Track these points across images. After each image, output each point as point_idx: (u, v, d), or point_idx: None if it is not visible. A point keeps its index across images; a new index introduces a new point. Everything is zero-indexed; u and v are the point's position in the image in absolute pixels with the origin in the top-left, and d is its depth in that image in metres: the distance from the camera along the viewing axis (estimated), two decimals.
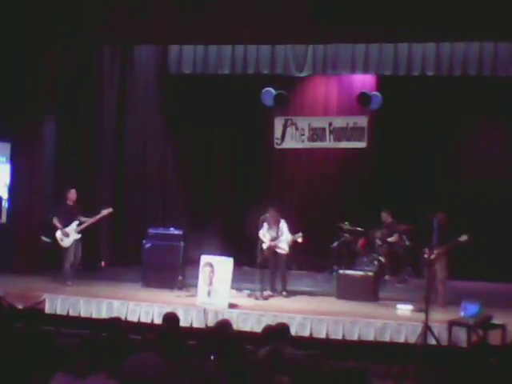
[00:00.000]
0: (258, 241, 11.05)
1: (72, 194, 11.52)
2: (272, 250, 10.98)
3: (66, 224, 11.37)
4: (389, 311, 9.94)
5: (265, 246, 10.97)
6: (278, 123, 14.48)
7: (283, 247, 11.01)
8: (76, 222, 11.37)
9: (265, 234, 11.01)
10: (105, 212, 11.54)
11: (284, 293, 10.94)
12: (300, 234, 10.90)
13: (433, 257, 9.93)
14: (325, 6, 10.54)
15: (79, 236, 11.38)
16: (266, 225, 11.03)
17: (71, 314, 10.01)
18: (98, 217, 11.50)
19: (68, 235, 11.33)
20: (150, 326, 9.15)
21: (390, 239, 12.48)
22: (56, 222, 11.42)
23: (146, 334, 6.06)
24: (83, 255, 11.57)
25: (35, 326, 6.13)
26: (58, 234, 11.39)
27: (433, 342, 8.19)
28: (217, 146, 15.00)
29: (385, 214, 12.70)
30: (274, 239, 10.97)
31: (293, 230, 11.06)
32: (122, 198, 13.82)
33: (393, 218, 12.64)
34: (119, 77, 13.67)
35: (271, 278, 11.02)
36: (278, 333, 6.09)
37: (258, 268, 10.94)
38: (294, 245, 11.08)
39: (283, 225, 11.05)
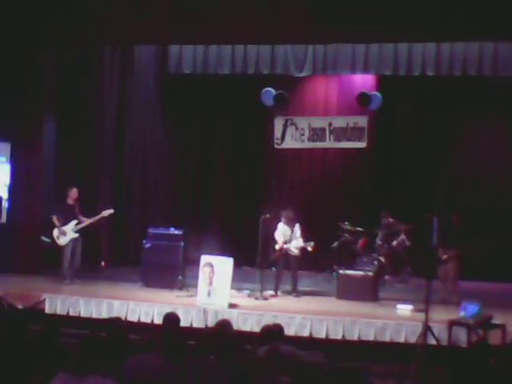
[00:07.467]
0: (259, 241, 11.00)
1: (73, 193, 11.47)
2: (283, 251, 10.99)
3: (65, 223, 11.34)
4: (389, 311, 9.94)
5: (277, 246, 10.99)
6: (278, 123, 14.47)
7: (294, 251, 11.02)
8: (74, 222, 11.35)
9: (279, 235, 11.04)
10: (105, 213, 11.50)
11: (294, 294, 10.94)
12: (312, 243, 10.89)
13: (445, 257, 10.45)
14: (325, 6, 10.54)
15: (77, 235, 11.33)
16: (281, 225, 11.05)
17: (71, 313, 9.99)
18: (97, 217, 11.47)
19: (65, 234, 11.31)
20: (150, 326, 9.15)
21: (394, 243, 12.45)
22: (55, 219, 11.41)
23: (142, 334, 6.05)
24: (83, 255, 11.53)
25: (35, 326, 6.12)
26: (55, 232, 11.37)
27: (433, 342, 8.17)
28: (217, 146, 14.99)
29: (384, 215, 12.69)
30: (286, 242, 10.98)
31: (303, 235, 11.09)
32: (121, 198, 13.82)
33: (393, 219, 12.63)
34: (119, 77, 13.69)
35: (277, 278, 11.02)
36: (275, 332, 6.11)
37: (258, 268, 10.93)
38: (303, 252, 11.08)
39: (297, 228, 11.08)
